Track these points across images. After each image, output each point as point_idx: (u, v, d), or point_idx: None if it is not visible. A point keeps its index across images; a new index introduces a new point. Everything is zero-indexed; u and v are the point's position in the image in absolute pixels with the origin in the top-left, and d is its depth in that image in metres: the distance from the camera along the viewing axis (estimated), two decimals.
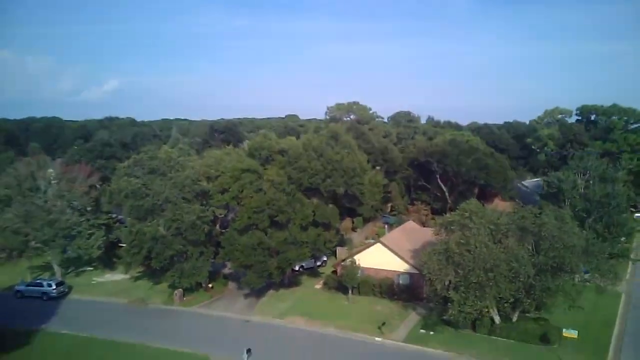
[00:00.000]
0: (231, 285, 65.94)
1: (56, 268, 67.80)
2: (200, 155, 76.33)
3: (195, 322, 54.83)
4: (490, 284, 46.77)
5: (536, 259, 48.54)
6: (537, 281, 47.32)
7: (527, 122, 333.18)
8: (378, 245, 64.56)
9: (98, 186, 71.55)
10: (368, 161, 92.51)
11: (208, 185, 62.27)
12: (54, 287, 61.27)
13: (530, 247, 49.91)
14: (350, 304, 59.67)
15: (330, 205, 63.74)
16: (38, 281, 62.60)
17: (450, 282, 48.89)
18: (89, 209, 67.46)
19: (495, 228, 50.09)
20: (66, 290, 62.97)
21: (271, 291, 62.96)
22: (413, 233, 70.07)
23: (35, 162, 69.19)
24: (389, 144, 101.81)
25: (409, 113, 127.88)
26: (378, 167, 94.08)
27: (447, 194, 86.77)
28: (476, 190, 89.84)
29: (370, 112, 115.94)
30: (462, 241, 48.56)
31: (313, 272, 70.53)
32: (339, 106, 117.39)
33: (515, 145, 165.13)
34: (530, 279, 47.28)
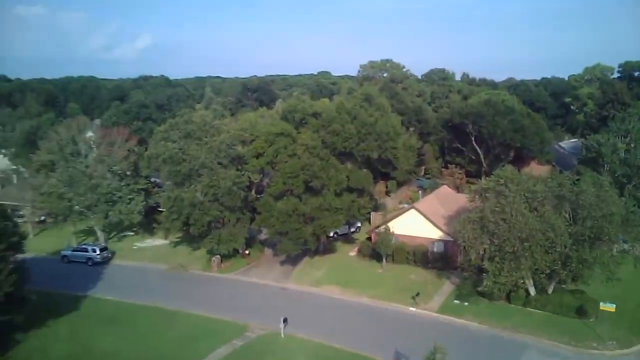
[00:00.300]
0: (267, 251, 67.21)
1: (99, 233, 70.12)
2: (234, 117, 76.46)
3: (234, 289, 56.44)
4: (526, 254, 46.46)
5: (573, 228, 47.89)
6: (574, 252, 46.84)
7: (566, 78, 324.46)
8: (412, 211, 64.55)
9: (136, 150, 72.62)
10: (402, 123, 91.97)
11: (242, 149, 62.72)
12: (98, 252, 63.56)
13: (567, 216, 49.19)
14: (384, 272, 60.36)
15: (364, 170, 63.68)
16: (83, 246, 64.99)
17: (485, 251, 48.69)
18: (128, 173, 68.81)
19: (532, 196, 49.31)
20: (109, 255, 65.27)
21: (306, 258, 63.99)
22: (447, 199, 69.70)
23: (75, 126, 70.42)
24: (422, 103, 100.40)
25: (443, 70, 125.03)
26: (412, 129, 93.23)
27: (482, 157, 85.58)
28: (512, 153, 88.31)
29: (404, 70, 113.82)
30: (497, 209, 47.92)
31: (347, 239, 71.10)
32: (372, 64, 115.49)
33: (553, 103, 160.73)
34: (567, 250, 46.86)
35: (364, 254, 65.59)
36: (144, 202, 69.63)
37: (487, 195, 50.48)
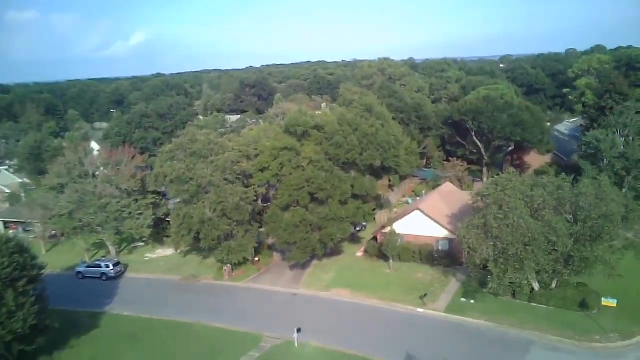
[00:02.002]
0: (276, 256, 68.77)
1: (110, 247, 71.81)
2: (236, 133, 77.38)
3: (246, 298, 58.10)
4: (529, 256, 47.91)
5: (574, 228, 49.28)
6: (576, 251, 48.26)
7: (564, 52, 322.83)
8: (416, 212, 65.96)
9: (143, 167, 74.08)
10: (402, 120, 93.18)
11: (247, 164, 64.08)
12: (112, 267, 65.19)
13: (568, 217, 50.58)
14: (391, 272, 61.95)
15: (368, 177, 65.10)
16: (97, 262, 66.64)
17: (488, 254, 50.19)
18: (135, 190, 70.20)
19: (530, 200, 50.73)
20: (122, 269, 66.90)
21: (315, 261, 65.50)
22: (450, 196, 71.07)
23: (82, 149, 71.80)
24: (422, 99, 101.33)
25: (441, 61, 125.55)
26: (412, 126, 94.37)
27: (482, 150, 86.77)
28: (512, 145, 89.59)
29: (402, 67, 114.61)
30: (500, 216, 49.45)
31: (353, 238, 72.53)
32: (370, 64, 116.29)
33: (552, 84, 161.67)
34: (569, 250, 48.30)
35: (371, 254, 67.15)
36: (153, 216, 71.09)
37: (488, 202, 51.86)
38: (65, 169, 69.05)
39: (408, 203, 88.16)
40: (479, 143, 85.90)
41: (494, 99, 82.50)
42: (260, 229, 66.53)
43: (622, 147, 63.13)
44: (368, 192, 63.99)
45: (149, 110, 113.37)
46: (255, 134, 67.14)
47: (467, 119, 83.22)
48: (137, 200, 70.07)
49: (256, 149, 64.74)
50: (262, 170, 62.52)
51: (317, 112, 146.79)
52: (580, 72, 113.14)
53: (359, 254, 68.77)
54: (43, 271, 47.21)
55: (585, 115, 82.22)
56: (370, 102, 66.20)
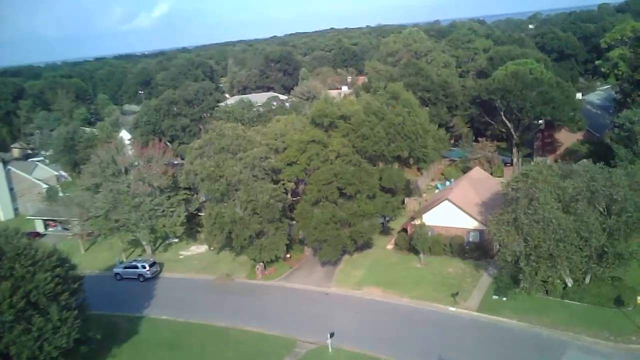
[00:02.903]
0: (307, 250, 69.42)
1: (146, 246, 73.54)
2: (264, 124, 77.19)
3: (279, 298, 59.09)
4: (561, 254, 47.48)
5: (608, 221, 48.55)
6: (610, 246, 47.62)
7: (596, 8, 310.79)
8: (446, 202, 65.51)
9: (174, 162, 74.93)
10: (429, 99, 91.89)
11: (276, 159, 64.29)
12: (148, 268, 66.84)
13: (601, 209, 49.74)
14: (422, 267, 62.16)
15: (396, 168, 64.81)
16: (133, 263, 68.34)
17: (520, 251, 49.81)
18: (167, 187, 71.20)
19: (563, 194, 49.93)
20: (158, 269, 68.59)
21: (346, 256, 65.75)
22: (480, 184, 70.24)
23: (114, 146, 72.88)
24: (449, 76, 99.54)
25: (467, 23, 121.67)
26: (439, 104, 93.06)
27: (512, 129, 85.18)
28: (543, 124, 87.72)
29: (427, 42, 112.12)
30: (530, 212, 48.90)
31: (383, 229, 72.39)
32: (394, 38, 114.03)
33: (583, 49, 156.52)
34: (602, 244, 47.64)
35: (401, 247, 67.26)
36: (186, 212, 72.22)
37: (518, 195, 51.18)
38: (99, 168, 70.29)
39: (437, 188, 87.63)
40: (507, 123, 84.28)
41: (522, 76, 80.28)
42: (291, 222, 67.10)
43: None
44: (396, 184, 63.84)
45: (176, 96, 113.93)
46: (282, 127, 67.00)
47: (495, 97, 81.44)
48: (169, 197, 71.13)
49: (284, 142, 64.79)
50: (290, 165, 62.87)
51: (342, 91, 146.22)
52: (613, 42, 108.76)
53: (389, 246, 68.91)
54: (83, 280, 48.78)
55: (619, 90, 79.44)
56: (396, 90, 65.28)
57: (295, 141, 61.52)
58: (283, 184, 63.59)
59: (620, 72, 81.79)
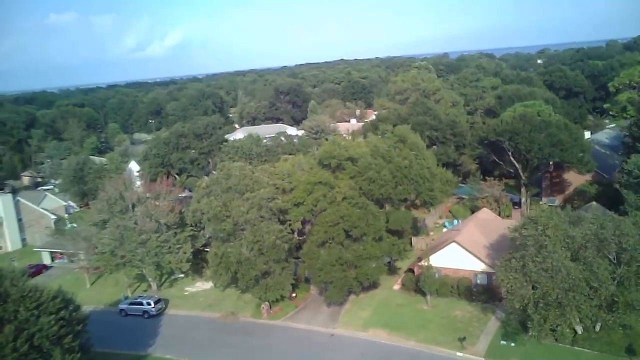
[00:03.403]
0: (313, 289, 69.00)
1: (151, 282, 73.42)
2: (270, 163, 77.49)
3: (284, 340, 58.47)
4: (570, 303, 46.95)
5: (617, 270, 48.08)
6: (620, 295, 47.04)
7: (604, 45, 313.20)
8: (453, 244, 65.25)
9: (181, 198, 75.29)
10: (437, 138, 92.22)
11: (282, 199, 64.39)
12: (153, 305, 66.60)
13: (611, 257, 49.28)
14: (429, 309, 61.53)
15: (403, 210, 64.76)
16: (138, 300, 68.11)
17: (528, 299, 49.28)
18: (174, 224, 71.38)
19: (572, 242, 49.59)
20: (163, 306, 68.27)
21: (352, 296, 65.39)
22: (488, 225, 69.98)
23: (122, 182, 73.44)
24: (457, 115, 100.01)
25: (476, 57, 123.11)
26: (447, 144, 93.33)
27: (520, 170, 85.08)
28: (551, 165, 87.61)
29: (435, 81, 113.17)
30: (538, 259, 48.59)
31: (390, 268, 71.96)
32: (403, 78, 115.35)
33: (591, 87, 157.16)
34: (612, 294, 47.07)
35: (408, 288, 66.78)
36: (192, 249, 72.22)
37: (527, 242, 50.86)
38: (106, 205, 70.71)
39: (445, 226, 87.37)
40: (516, 163, 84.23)
41: (530, 118, 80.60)
42: (297, 260, 66.85)
43: None
44: (403, 226, 63.66)
45: (186, 129, 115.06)
46: (289, 167, 67.26)
47: (503, 139, 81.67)
48: (175, 234, 71.27)
49: (290, 182, 65.00)
50: (297, 205, 62.94)
51: (351, 125, 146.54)
52: (621, 86, 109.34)
53: (396, 286, 68.41)
54: (87, 321, 48.57)
55: (628, 134, 79.48)
56: (403, 133, 65.63)
57: (302, 182, 61.70)
58: (290, 224, 63.59)
59: (628, 116, 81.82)
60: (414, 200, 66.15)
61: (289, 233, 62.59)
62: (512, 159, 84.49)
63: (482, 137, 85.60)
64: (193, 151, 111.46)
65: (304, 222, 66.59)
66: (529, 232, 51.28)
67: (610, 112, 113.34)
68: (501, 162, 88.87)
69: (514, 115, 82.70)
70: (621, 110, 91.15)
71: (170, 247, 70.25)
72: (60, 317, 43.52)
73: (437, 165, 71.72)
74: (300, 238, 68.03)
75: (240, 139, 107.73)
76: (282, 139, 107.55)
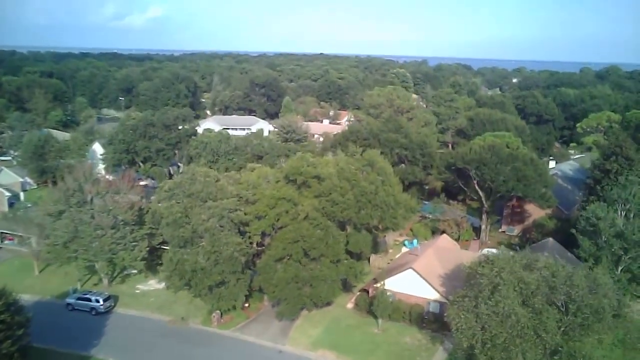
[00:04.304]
0: (265, 299, 68.46)
1: (103, 276, 71.89)
2: (233, 172, 76.40)
3: (232, 352, 58.09)
4: (517, 349, 47.77)
5: (564, 318, 49.11)
6: (564, 344, 48.10)
7: (578, 72, 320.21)
8: (410, 271, 65.75)
9: (142, 196, 73.87)
10: (406, 157, 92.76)
11: (245, 209, 63.71)
12: (102, 302, 65.17)
13: (559, 304, 50.29)
14: (379, 333, 62.00)
15: (363, 233, 64.88)
16: (87, 296, 66.43)
17: (476, 340, 49.93)
18: (132, 222, 69.91)
19: (525, 287, 50.42)
20: (112, 304, 66.84)
21: (304, 312, 65.28)
22: (446, 254, 70.67)
23: (82, 173, 71.52)
24: (428, 135, 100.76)
25: (450, 92, 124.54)
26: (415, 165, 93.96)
27: (483, 198, 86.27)
28: (514, 198, 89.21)
29: (411, 99, 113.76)
30: (491, 303, 49.27)
31: (345, 285, 71.85)
32: (379, 92, 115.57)
33: (561, 115, 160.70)
34: (556, 342, 48.10)
35: (361, 308, 67.07)
36: (147, 247, 70.90)
37: (481, 281, 51.54)
38: (64, 196, 68.77)
39: (404, 245, 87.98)
40: (480, 192, 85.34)
41: (498, 150, 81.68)
42: (252, 270, 66.30)
43: (622, 226, 62.56)
44: (362, 249, 63.88)
45: (155, 119, 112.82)
46: (255, 179, 66.52)
47: (470, 167, 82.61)
48: (132, 231, 69.79)
49: (254, 195, 64.40)
50: (259, 218, 62.48)
51: (323, 127, 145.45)
52: (588, 129, 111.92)
53: (349, 305, 68.63)
54: (29, 324, 47.23)
55: (590, 175, 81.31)
56: (372, 157, 65.67)
57: (266, 196, 61.21)
58: (249, 236, 63.06)
59: (593, 158, 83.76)
60: (377, 225, 66.32)
61: (247, 245, 62.02)
62: (476, 187, 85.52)
63: (450, 163, 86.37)
64: (160, 141, 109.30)
65: (263, 235, 66.16)
66: (485, 272, 51.93)
67: (575, 152, 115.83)
68: (466, 188, 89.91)
69: (483, 145, 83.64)
70: (586, 151, 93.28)
71: (125, 244, 68.77)
72: (1, 320, 42.19)
73: (403, 185, 72.18)
74: (259, 249, 67.58)
75: (209, 135, 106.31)
76: (253, 140, 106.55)
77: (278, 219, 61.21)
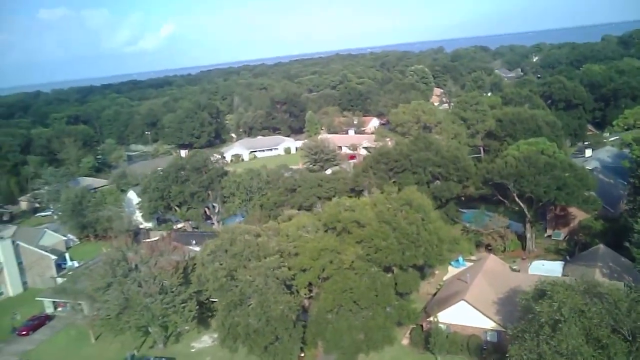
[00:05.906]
0: (320, 346, 68.25)
1: (157, 339, 72.76)
2: (273, 220, 76.33)
3: None
4: None
5: (632, 347, 47.55)
6: None
7: (600, 41, 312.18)
8: (462, 302, 64.74)
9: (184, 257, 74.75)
10: (439, 174, 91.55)
11: (287, 263, 63.58)
12: None
13: (625, 333, 48.71)
14: None
15: (411, 272, 64.16)
16: None
17: None
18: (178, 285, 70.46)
19: (588, 321, 48.96)
20: None
21: (361, 354, 64.82)
22: (496, 278, 69.40)
23: (123, 244, 72.51)
24: (458, 148, 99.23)
25: (475, 96, 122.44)
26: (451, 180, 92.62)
27: (525, 209, 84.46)
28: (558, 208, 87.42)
29: (436, 115, 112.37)
30: (553, 343, 47.99)
31: None
32: (404, 109, 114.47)
33: (590, 98, 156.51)
34: None
35: (417, 344, 66.30)
36: (197, 307, 71.38)
37: (541, 320, 50.20)
38: (110, 270, 69.67)
39: (450, 265, 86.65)
40: (521, 204, 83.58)
41: (535, 160, 79.74)
42: (304, 321, 66.16)
43: None
44: (411, 289, 63.21)
45: (184, 162, 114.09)
46: (294, 231, 66.19)
47: (507, 182, 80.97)
48: (180, 293, 70.28)
49: (295, 247, 64.29)
50: (303, 271, 62.40)
51: (350, 139, 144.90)
52: (625, 126, 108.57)
53: (405, 341, 67.83)
54: None
55: (633, 175, 78.82)
56: (409, 195, 64.77)
57: (308, 248, 61.07)
58: (297, 290, 62.98)
59: (633, 156, 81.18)
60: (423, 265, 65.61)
61: (297, 304, 61.93)
62: (517, 199, 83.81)
63: (487, 178, 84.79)
64: (192, 184, 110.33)
65: (309, 284, 65.99)
66: (544, 309, 50.57)
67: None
68: (505, 200, 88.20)
69: (518, 156, 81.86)
70: (627, 146, 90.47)
71: (175, 306, 69.42)
72: None
73: (440, 202, 70.54)
74: (307, 299, 67.48)
75: (240, 173, 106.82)
76: (283, 171, 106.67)
77: (323, 269, 61.08)
